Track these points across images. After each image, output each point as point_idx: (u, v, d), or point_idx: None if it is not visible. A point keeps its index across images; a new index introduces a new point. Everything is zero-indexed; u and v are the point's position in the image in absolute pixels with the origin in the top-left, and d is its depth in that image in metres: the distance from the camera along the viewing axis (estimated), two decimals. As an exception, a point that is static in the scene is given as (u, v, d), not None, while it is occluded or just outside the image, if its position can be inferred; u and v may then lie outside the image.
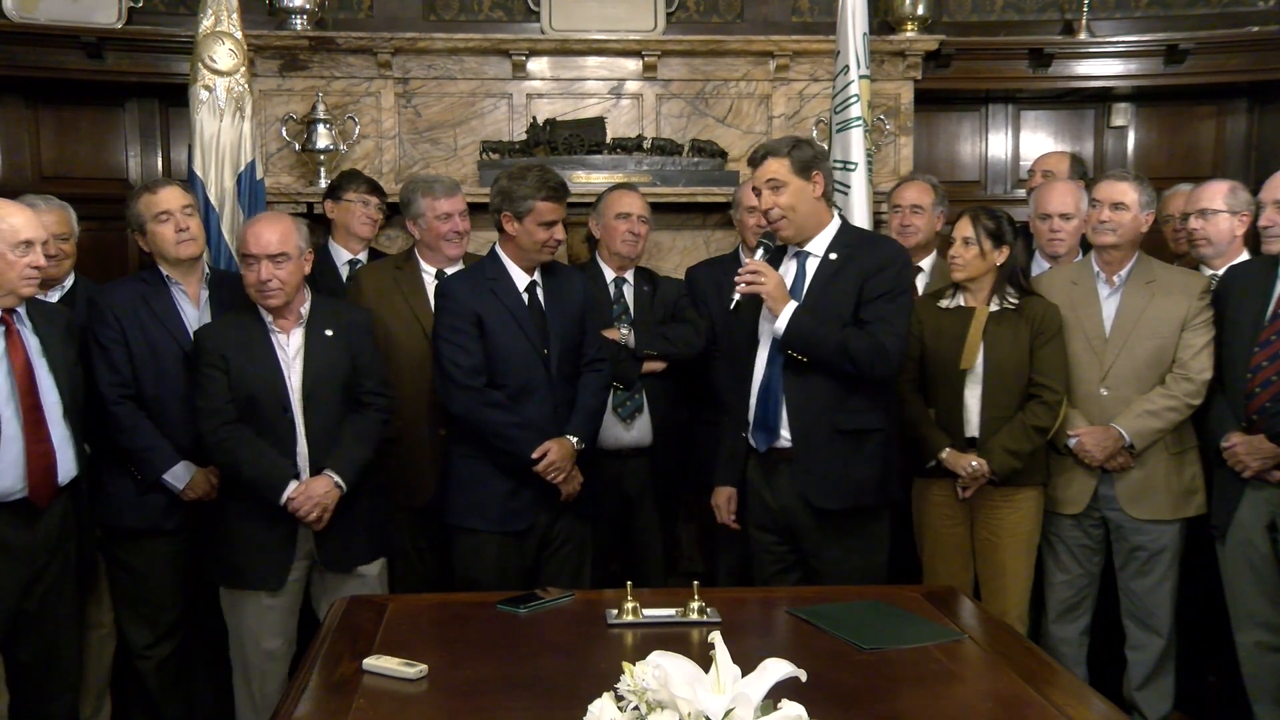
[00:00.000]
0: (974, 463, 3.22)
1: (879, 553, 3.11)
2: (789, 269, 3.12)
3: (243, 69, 4.07)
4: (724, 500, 3.21)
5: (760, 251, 3.07)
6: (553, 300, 3.26)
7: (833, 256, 3.06)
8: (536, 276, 3.26)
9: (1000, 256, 3.28)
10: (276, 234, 3.08)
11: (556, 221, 3.19)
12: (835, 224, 3.12)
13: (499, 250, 3.27)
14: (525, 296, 3.23)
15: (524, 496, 3.19)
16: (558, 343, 3.23)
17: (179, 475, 3.21)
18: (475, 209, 3.85)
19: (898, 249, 3.22)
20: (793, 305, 2.97)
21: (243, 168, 4.03)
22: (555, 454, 3.14)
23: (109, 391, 3.16)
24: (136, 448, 3.19)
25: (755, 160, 3.10)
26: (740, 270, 3.01)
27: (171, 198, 3.30)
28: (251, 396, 3.05)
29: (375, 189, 4.02)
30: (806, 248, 3.09)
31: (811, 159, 3.05)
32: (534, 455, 3.12)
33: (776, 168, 3.03)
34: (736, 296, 3.02)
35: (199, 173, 3.98)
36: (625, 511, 3.77)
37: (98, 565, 3.24)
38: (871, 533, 3.09)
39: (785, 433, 3.04)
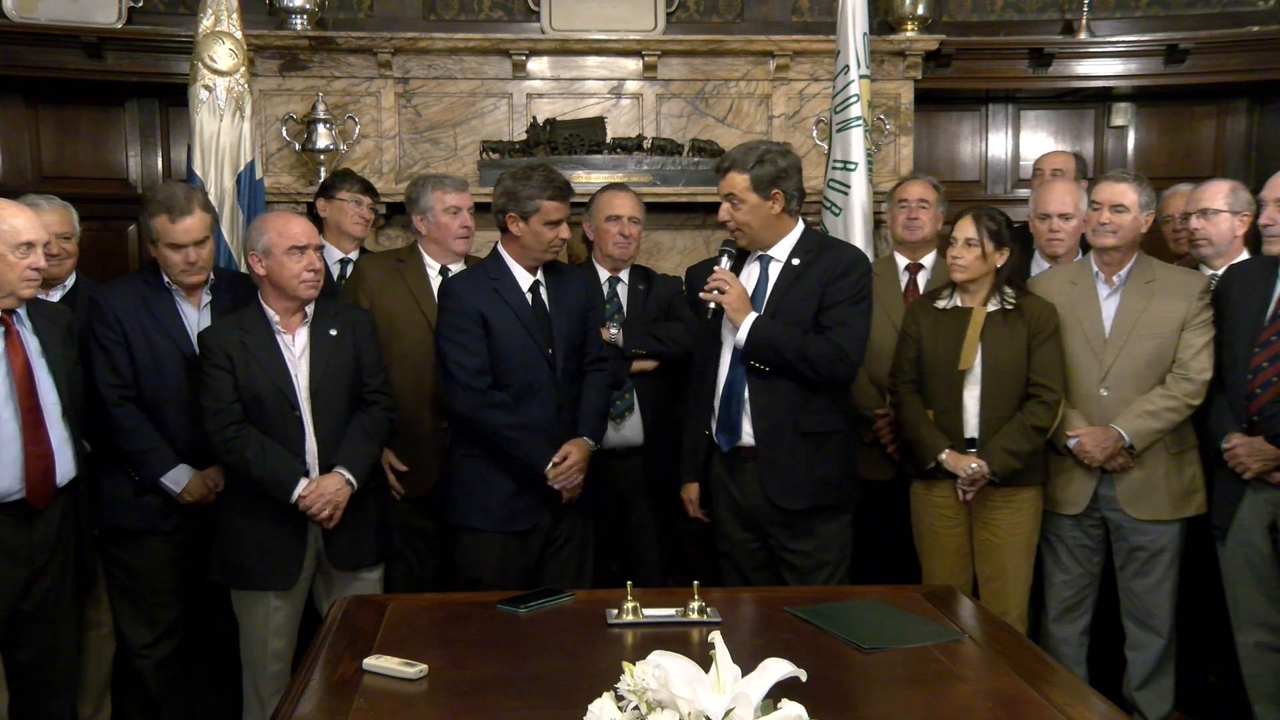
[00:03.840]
0: (974, 464, 3.22)
1: (844, 549, 3.20)
2: (752, 273, 3.19)
3: (243, 69, 4.07)
4: (692, 495, 3.30)
5: (724, 260, 3.13)
6: (556, 299, 3.26)
7: (795, 262, 3.13)
8: (540, 276, 3.26)
9: (1000, 258, 3.28)
10: (312, 226, 3.21)
11: (562, 221, 3.18)
12: (798, 230, 3.18)
13: (501, 250, 3.26)
14: (529, 296, 3.22)
15: (528, 496, 3.18)
16: (562, 342, 3.23)
17: (177, 479, 3.20)
18: (476, 208, 3.84)
19: (859, 255, 3.29)
20: (752, 316, 3.04)
21: (242, 168, 4.04)
22: (576, 455, 3.16)
23: (109, 393, 3.16)
24: (135, 449, 3.19)
25: (720, 169, 3.13)
26: (709, 279, 3.08)
27: (187, 231, 3.18)
28: (258, 396, 3.05)
29: (368, 189, 4.01)
30: (770, 252, 3.16)
31: (774, 177, 3.06)
32: (555, 460, 3.13)
33: (736, 183, 3.07)
34: (712, 305, 3.09)
35: (198, 172, 3.98)
36: (620, 511, 3.77)
37: (97, 565, 3.24)
38: (833, 533, 3.18)
39: (748, 432, 3.12)
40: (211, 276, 3.37)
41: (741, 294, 3.08)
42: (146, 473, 3.20)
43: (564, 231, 3.20)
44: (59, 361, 2.91)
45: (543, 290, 3.26)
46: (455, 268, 3.69)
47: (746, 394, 3.11)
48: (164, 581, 3.28)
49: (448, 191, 3.65)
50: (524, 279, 3.23)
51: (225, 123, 4.03)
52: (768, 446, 3.10)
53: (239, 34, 4.08)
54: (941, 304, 3.38)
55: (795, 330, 3.06)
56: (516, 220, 3.17)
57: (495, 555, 3.18)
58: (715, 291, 3.06)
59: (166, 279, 3.28)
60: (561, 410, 3.22)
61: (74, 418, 2.93)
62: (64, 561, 2.92)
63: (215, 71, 4.03)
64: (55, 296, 3.42)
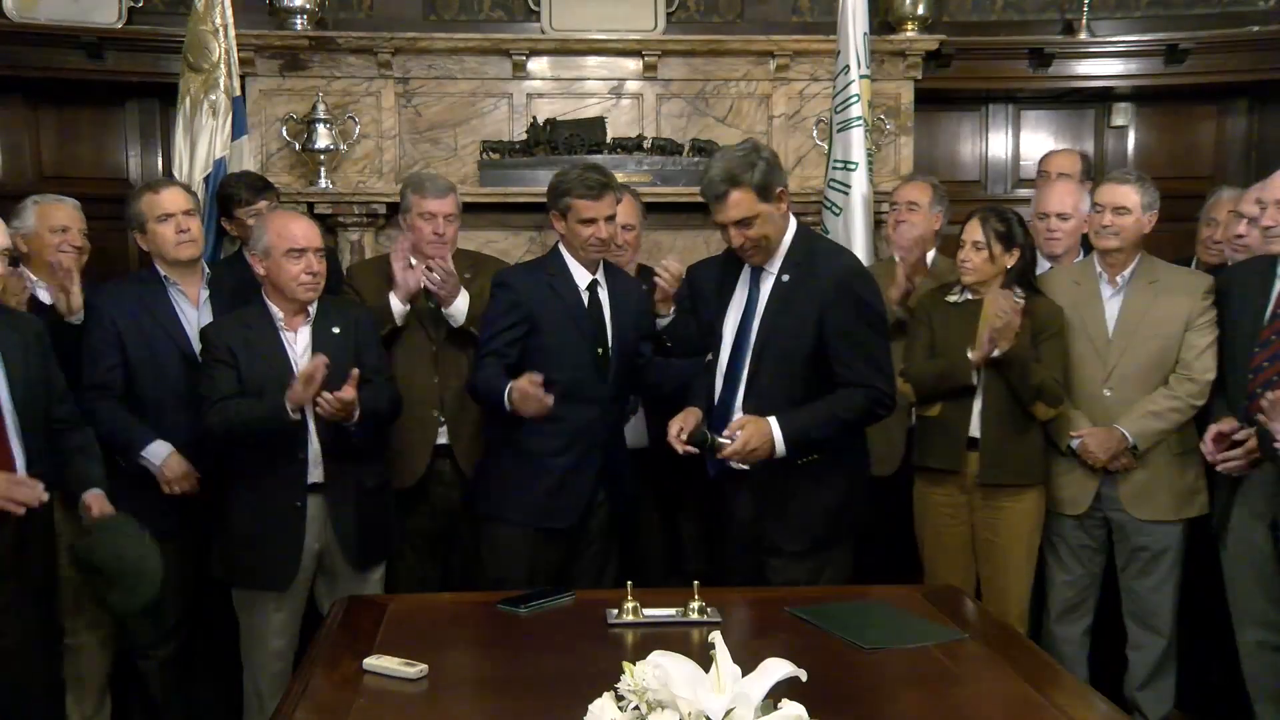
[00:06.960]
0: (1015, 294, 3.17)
1: (835, 578, 2.97)
2: (744, 288, 2.97)
3: (221, 66, 4.09)
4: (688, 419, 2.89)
5: (710, 447, 2.81)
6: (614, 302, 3.25)
7: (785, 278, 2.88)
8: (599, 276, 3.24)
9: (1010, 259, 3.27)
10: (313, 228, 3.18)
11: (596, 220, 3.16)
12: (792, 230, 2.91)
13: (561, 247, 3.26)
14: (585, 295, 3.21)
15: (568, 493, 3.17)
16: (617, 345, 3.22)
17: (156, 452, 3.16)
18: (473, 209, 3.83)
19: (848, 266, 2.96)
20: (778, 433, 2.76)
21: (210, 167, 4.06)
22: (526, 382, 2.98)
23: (85, 393, 3.14)
24: (114, 432, 3.16)
25: (716, 196, 2.79)
26: (728, 457, 2.80)
27: (173, 199, 3.30)
28: (261, 391, 3.04)
29: (259, 189, 3.72)
30: (766, 267, 2.92)
31: (769, 176, 2.79)
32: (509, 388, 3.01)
33: (742, 202, 2.77)
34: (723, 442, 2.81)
35: (174, 171, 4.01)
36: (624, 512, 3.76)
37: (59, 579, 3.10)
38: (830, 560, 2.97)
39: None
40: (208, 271, 3.37)
41: (760, 435, 2.76)
42: (128, 452, 3.17)
43: (600, 231, 3.17)
44: (18, 372, 2.81)
45: (601, 290, 3.24)
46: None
47: (739, 408, 2.90)
48: (167, 582, 3.27)
49: (425, 197, 3.60)
50: (581, 277, 3.22)
51: (201, 120, 4.07)
52: (761, 474, 2.89)
53: (222, 31, 4.10)
54: (952, 298, 3.37)
55: (819, 406, 2.82)
56: (559, 218, 3.19)
57: (526, 552, 3.15)
58: (740, 462, 2.83)
59: (163, 271, 3.29)
60: (605, 413, 3.21)
61: (39, 431, 2.85)
62: (22, 579, 2.77)
63: (193, 69, 4.09)
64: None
